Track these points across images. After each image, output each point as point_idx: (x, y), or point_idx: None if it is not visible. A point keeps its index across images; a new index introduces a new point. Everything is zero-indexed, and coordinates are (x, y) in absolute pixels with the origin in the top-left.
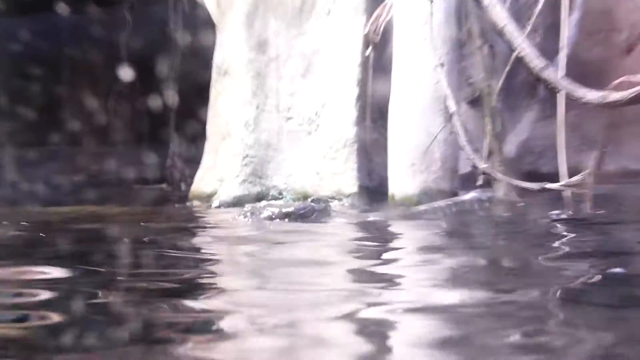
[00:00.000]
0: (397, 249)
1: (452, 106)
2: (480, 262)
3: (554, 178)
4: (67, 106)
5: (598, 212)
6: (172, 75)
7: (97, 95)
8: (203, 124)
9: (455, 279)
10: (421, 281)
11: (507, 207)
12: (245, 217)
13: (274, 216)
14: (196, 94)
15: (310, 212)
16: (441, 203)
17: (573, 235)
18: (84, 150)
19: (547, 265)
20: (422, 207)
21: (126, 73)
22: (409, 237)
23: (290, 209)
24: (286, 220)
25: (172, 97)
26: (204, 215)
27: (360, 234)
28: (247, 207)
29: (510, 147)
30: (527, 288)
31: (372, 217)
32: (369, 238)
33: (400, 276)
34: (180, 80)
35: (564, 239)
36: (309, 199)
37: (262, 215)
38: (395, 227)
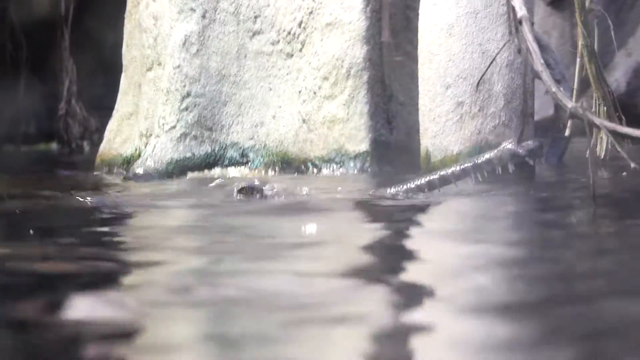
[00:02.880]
0: None
1: (521, 8)
2: None
3: None
4: None
5: None
6: None
7: None
8: (116, 44)
9: None
10: None
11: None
12: None
13: None
14: None
15: None
16: (443, 173)
17: None
18: None
19: None
20: (400, 188)
21: None
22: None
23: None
24: None
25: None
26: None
27: None
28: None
29: (618, 74)
30: None
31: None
32: None
33: None
34: None
35: None
36: (236, 188)
37: None
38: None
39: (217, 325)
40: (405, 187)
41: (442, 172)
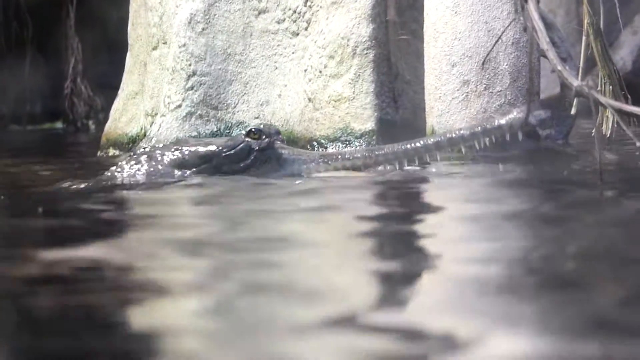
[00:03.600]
0: None
1: None
2: None
3: None
4: None
5: None
6: None
7: None
8: (122, 23)
9: None
10: None
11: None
12: (121, 171)
13: (180, 164)
14: None
15: (243, 153)
16: (451, 135)
17: None
18: None
19: None
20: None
21: None
22: None
23: (211, 148)
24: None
25: None
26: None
27: None
28: (139, 149)
29: (624, 52)
30: None
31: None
32: None
33: None
34: None
35: None
36: (243, 131)
37: (160, 165)
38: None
39: None
40: (410, 145)
41: (450, 135)
